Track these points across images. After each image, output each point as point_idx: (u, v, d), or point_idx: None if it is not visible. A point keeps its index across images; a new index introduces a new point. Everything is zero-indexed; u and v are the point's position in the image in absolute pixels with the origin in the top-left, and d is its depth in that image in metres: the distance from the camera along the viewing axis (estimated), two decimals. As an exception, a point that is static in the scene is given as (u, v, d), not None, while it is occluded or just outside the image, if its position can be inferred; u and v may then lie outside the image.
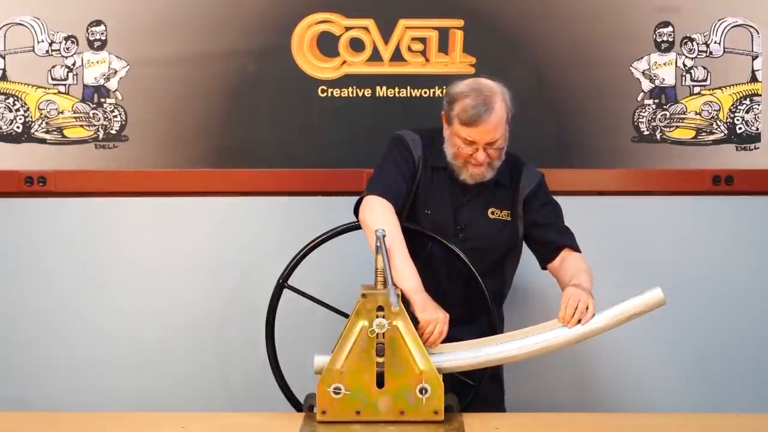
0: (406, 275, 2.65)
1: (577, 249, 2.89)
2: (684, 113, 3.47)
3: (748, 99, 3.46)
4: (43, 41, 3.43)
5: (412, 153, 2.86)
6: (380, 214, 2.72)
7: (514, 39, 3.44)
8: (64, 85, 3.45)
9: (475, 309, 2.80)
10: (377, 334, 2.50)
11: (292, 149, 3.46)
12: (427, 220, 2.85)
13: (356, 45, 3.44)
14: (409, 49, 3.43)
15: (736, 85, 3.46)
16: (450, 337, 2.64)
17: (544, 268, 2.94)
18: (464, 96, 2.75)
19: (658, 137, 3.47)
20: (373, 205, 2.75)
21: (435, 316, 2.60)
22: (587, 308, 2.60)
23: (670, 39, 3.45)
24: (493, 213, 2.88)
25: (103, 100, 3.45)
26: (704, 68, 3.46)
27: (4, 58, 3.44)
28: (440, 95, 3.38)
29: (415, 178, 2.86)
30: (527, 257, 3.21)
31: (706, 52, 3.45)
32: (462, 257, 2.75)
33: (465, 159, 2.78)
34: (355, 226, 2.82)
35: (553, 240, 2.89)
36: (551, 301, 3.38)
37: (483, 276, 2.76)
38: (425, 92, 3.43)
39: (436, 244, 2.80)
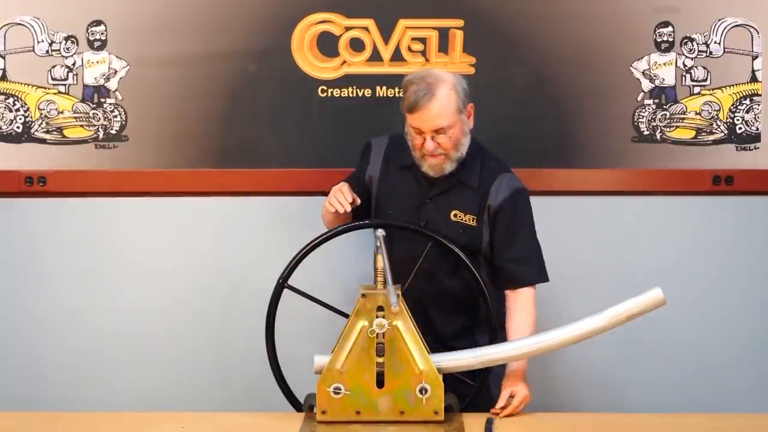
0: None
1: (534, 282, 2.84)
2: (684, 113, 3.47)
3: (748, 99, 3.46)
4: (43, 41, 3.43)
5: (369, 158, 2.96)
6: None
7: (514, 39, 3.43)
8: (64, 85, 3.45)
9: (473, 298, 2.83)
10: (377, 334, 2.50)
11: (292, 149, 3.46)
12: (390, 220, 2.86)
13: (356, 45, 3.44)
14: (409, 49, 3.43)
15: (736, 85, 3.46)
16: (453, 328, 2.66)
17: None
18: (410, 84, 2.77)
19: (658, 137, 3.47)
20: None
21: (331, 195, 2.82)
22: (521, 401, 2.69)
23: (670, 39, 3.45)
24: (455, 215, 2.84)
25: (103, 100, 3.45)
26: (704, 68, 3.46)
27: (4, 58, 3.44)
28: (440, 95, 3.39)
29: (369, 181, 2.94)
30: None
31: (706, 52, 3.45)
32: (461, 255, 2.74)
33: (420, 150, 2.79)
34: (355, 226, 2.82)
35: (515, 275, 2.83)
36: (552, 298, 3.39)
37: (456, 272, 2.77)
38: (425, 92, 3.43)
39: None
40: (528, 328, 2.76)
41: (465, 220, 2.83)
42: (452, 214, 2.84)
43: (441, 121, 2.72)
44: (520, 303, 2.81)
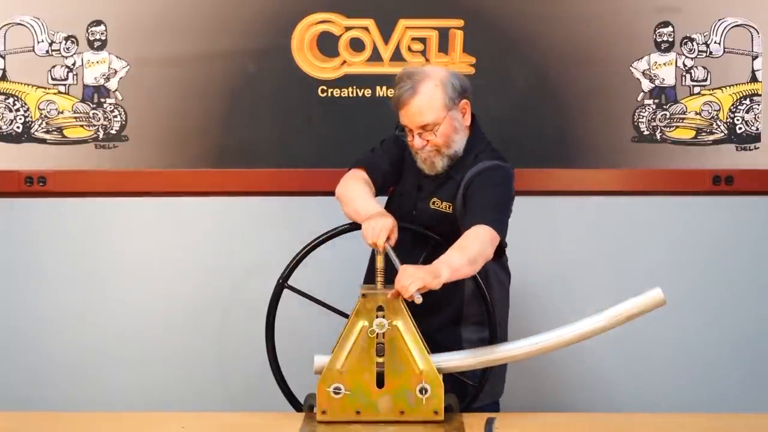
0: (368, 208, 2.70)
1: (485, 222, 2.62)
2: (684, 113, 3.47)
3: (748, 99, 3.46)
4: (43, 41, 3.43)
5: (404, 141, 2.85)
6: (346, 181, 2.83)
7: (514, 39, 3.44)
8: (64, 85, 3.45)
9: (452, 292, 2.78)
10: (377, 334, 2.50)
11: (292, 149, 3.46)
12: (398, 202, 2.86)
13: (356, 45, 3.44)
14: (409, 49, 3.44)
15: (736, 85, 3.46)
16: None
17: None
18: (398, 81, 2.75)
19: (658, 137, 3.47)
20: (345, 176, 2.85)
21: (378, 222, 2.60)
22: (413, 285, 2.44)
23: (670, 39, 3.45)
24: (434, 203, 2.81)
25: (103, 100, 3.46)
26: (704, 68, 3.46)
27: (4, 58, 3.44)
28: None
29: (403, 160, 2.88)
30: (526, 259, 3.20)
31: (706, 52, 3.45)
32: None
33: (413, 148, 2.78)
34: (356, 227, 2.82)
35: (468, 225, 2.65)
36: (552, 298, 3.39)
37: (430, 259, 2.66)
38: (425, 92, 3.43)
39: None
40: (466, 250, 2.56)
41: (442, 207, 2.81)
42: (431, 201, 2.83)
43: (424, 117, 2.70)
44: (469, 233, 2.60)
